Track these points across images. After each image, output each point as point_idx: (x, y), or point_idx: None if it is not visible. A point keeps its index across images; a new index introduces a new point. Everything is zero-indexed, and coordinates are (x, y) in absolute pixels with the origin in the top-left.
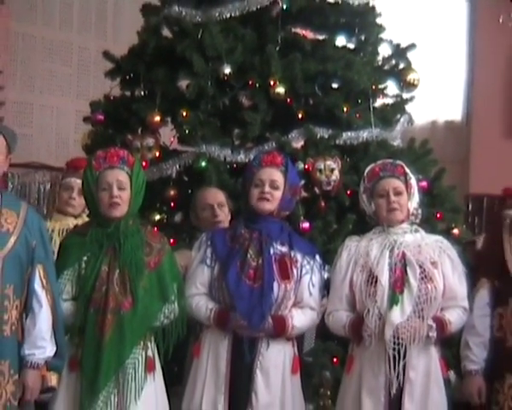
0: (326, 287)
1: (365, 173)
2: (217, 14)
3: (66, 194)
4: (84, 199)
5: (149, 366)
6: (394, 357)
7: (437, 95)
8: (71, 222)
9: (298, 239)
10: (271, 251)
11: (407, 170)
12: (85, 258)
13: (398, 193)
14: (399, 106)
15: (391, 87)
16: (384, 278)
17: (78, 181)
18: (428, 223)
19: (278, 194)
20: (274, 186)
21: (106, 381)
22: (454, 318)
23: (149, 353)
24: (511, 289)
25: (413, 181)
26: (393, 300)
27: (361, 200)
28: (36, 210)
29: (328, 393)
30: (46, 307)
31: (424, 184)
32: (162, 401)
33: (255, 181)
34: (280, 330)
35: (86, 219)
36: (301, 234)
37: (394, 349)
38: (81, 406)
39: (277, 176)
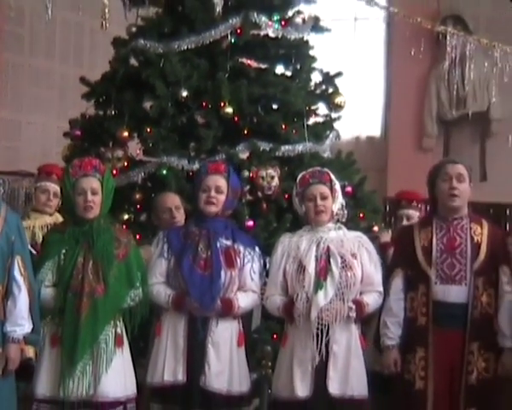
0: (267, 275)
1: (297, 180)
2: (176, 47)
3: (43, 196)
4: (60, 201)
5: (118, 342)
6: (318, 335)
7: (360, 114)
8: (48, 219)
9: (240, 234)
10: (218, 245)
11: (332, 177)
12: (64, 251)
13: (324, 197)
14: (329, 124)
15: (321, 108)
16: (311, 268)
17: (53, 185)
18: (353, 221)
19: (222, 197)
20: (219, 191)
21: (83, 354)
22: (371, 300)
23: (118, 330)
24: (420, 276)
25: (337, 187)
26: (318, 285)
27: (294, 203)
28: (16, 210)
29: (269, 364)
30: (24, 291)
31: (349, 189)
32: (129, 371)
33: (203, 187)
34: (227, 310)
35: (58, 215)
36: (246, 231)
37: (318, 328)
38: (62, 375)
39: (221, 182)
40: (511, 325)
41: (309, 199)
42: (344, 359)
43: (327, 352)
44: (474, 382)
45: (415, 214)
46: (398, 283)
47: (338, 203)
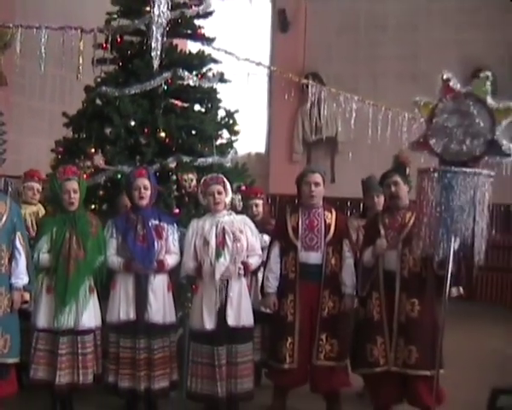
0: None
1: (201, 182)
2: (127, 91)
3: (30, 192)
4: (48, 197)
5: (91, 290)
6: (221, 288)
7: (251, 138)
8: (34, 208)
9: (163, 215)
10: (150, 224)
11: (224, 179)
12: (55, 229)
13: (219, 193)
14: (230, 144)
15: (225, 133)
16: (212, 242)
17: (36, 184)
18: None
19: (148, 192)
20: (145, 188)
21: (71, 298)
22: (254, 261)
23: (91, 283)
24: (291, 246)
25: (228, 186)
26: (219, 254)
27: (199, 198)
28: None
29: (189, 305)
30: (23, 255)
31: (244, 188)
32: (97, 310)
33: (134, 187)
34: (161, 267)
35: (41, 205)
36: (173, 216)
37: (220, 284)
38: (55, 313)
39: (146, 182)
40: (350, 278)
41: (209, 194)
42: (237, 300)
43: (226, 297)
44: (325, 316)
45: (260, 202)
46: (275, 250)
47: (229, 197)
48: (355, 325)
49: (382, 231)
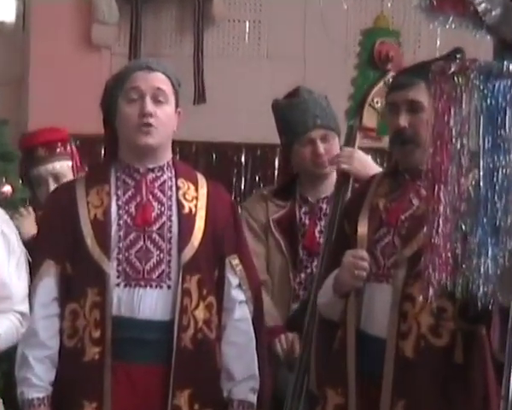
0: None
1: None
2: None
3: None
4: None
5: None
6: None
7: None
8: None
9: None
10: None
11: None
12: None
13: None
14: None
15: None
16: None
17: None
18: None
19: None
20: None
21: None
22: (4, 329)
23: None
24: (91, 274)
25: None
26: None
27: None
28: None
29: None
30: None
31: None
32: None
33: None
34: None
35: None
36: None
37: None
38: None
39: None
40: (244, 357)
41: None
42: None
43: None
44: None
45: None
46: (48, 286)
47: None
48: None
49: (363, 229)
